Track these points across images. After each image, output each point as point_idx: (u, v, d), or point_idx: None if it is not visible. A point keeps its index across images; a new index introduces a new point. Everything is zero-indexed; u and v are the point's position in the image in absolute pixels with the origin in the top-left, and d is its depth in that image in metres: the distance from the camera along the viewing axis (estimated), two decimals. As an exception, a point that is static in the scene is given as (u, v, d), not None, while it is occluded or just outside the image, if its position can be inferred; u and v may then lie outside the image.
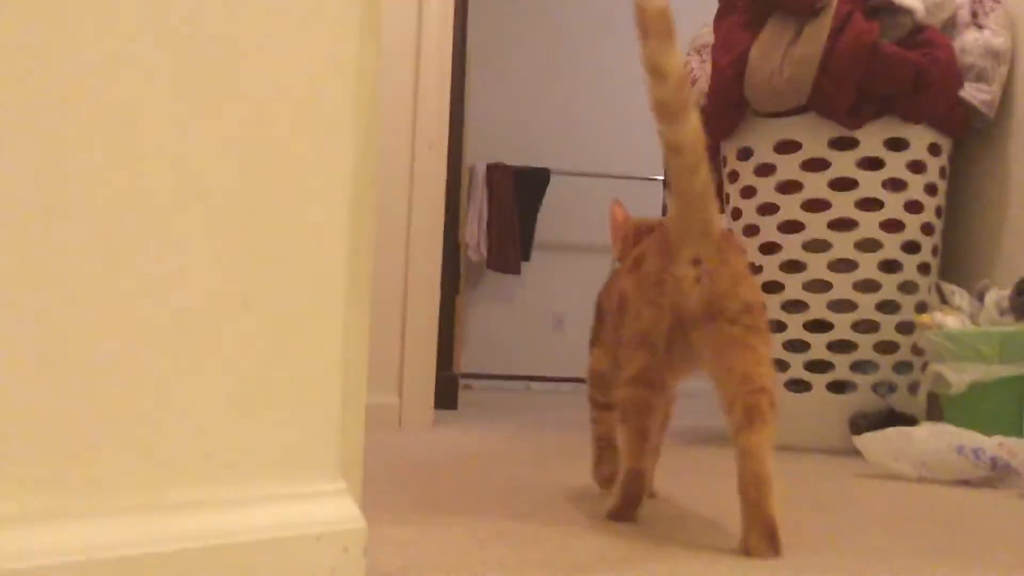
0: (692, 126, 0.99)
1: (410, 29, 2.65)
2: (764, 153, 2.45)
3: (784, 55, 2.34)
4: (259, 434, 0.57)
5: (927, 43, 2.30)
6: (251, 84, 0.58)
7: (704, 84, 2.57)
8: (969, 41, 2.37)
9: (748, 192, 2.50)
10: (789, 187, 2.41)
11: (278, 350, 0.58)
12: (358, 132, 0.64)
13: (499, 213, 6.11)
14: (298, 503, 0.58)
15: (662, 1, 0.97)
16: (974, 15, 2.41)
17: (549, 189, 6.23)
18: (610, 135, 6.19)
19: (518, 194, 6.17)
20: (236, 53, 0.57)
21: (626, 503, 1.14)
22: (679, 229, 1.04)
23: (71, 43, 0.50)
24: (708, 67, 2.56)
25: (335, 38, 0.63)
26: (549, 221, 6.27)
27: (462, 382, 4.88)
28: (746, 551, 0.96)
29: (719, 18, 2.56)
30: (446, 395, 3.39)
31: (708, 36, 2.64)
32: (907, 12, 2.30)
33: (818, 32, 2.29)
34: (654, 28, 0.98)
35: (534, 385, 6.23)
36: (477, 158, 6.05)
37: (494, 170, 6.15)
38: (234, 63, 0.57)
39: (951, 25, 2.40)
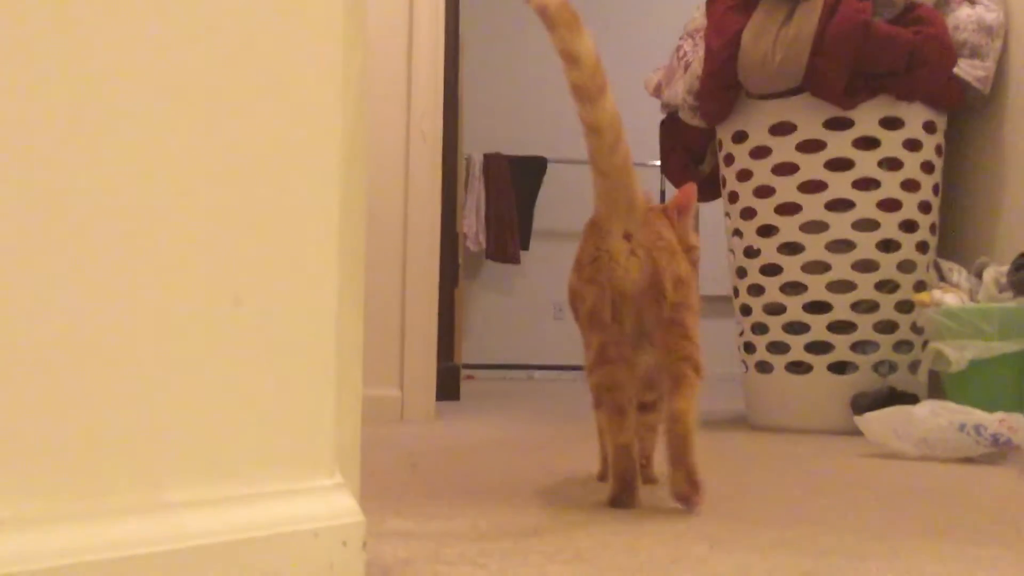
0: (608, 106, 1.06)
1: (401, 19, 2.64)
2: (759, 136, 2.45)
3: (777, 36, 2.33)
4: (254, 431, 0.57)
5: (920, 20, 2.30)
6: (236, 79, 0.58)
7: (698, 68, 2.56)
8: (962, 17, 2.37)
9: (744, 175, 2.50)
10: (785, 169, 2.41)
11: (270, 345, 0.58)
12: (345, 123, 0.64)
13: (497, 203, 6.10)
14: (295, 499, 0.58)
15: (568, 4, 1.06)
16: (966, -9, 2.40)
17: (546, 177, 6.22)
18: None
19: (515, 183, 6.16)
20: (220, 47, 0.57)
21: (621, 484, 1.14)
22: (606, 206, 1.11)
23: (63, 48, 0.50)
24: (701, 51, 2.55)
25: (318, 27, 0.63)
26: (547, 209, 6.26)
27: (464, 373, 4.89)
28: (673, 493, 1.10)
29: (711, 1, 2.55)
30: (448, 386, 3.40)
31: (701, 20, 2.64)
32: (899, -11, 2.29)
33: (810, 12, 2.28)
34: (560, 19, 1.07)
35: (536, 374, 6.24)
36: (473, 148, 6.04)
37: (491, 160, 6.14)
38: (219, 58, 0.57)
39: (943, 2, 2.40)
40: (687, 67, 2.62)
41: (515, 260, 6.13)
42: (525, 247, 6.19)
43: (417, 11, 2.64)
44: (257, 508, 0.56)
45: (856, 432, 1.89)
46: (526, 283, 6.41)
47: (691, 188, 1.27)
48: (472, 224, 6.02)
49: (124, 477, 0.51)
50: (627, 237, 1.10)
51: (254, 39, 0.59)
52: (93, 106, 0.51)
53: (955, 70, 2.36)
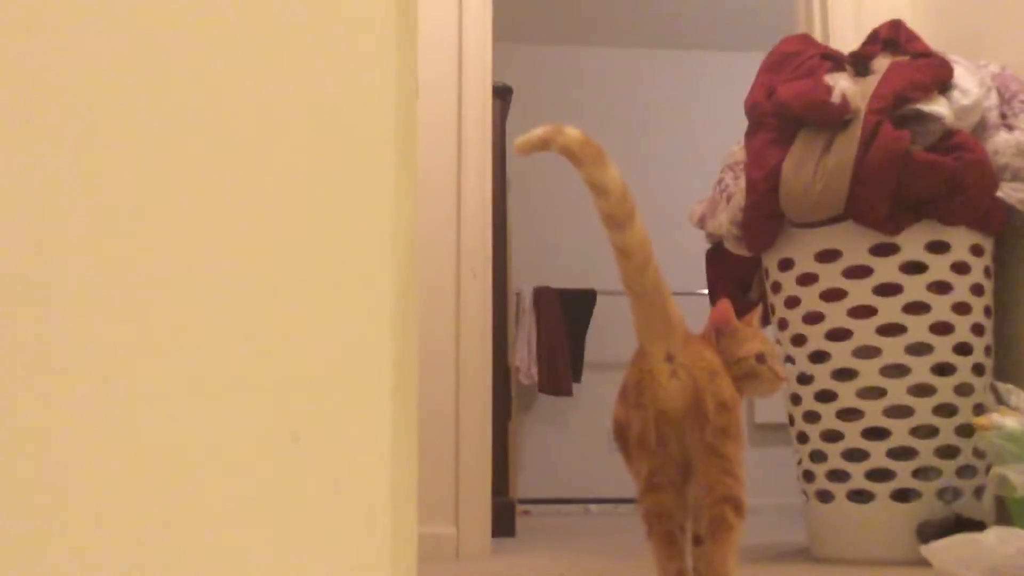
0: (637, 231, 1.12)
1: (450, 157, 2.73)
2: (805, 263, 2.47)
3: (817, 167, 2.37)
4: (306, 574, 0.58)
5: (958, 147, 2.33)
6: (285, 231, 0.62)
7: (740, 199, 2.60)
8: (1001, 142, 2.40)
9: (792, 302, 2.51)
10: (833, 295, 2.41)
11: (326, 484, 0.60)
12: (397, 264, 0.67)
13: (548, 336, 6.13)
14: (352, 637, 0.58)
15: (576, 133, 1.10)
16: (1003, 117, 2.44)
17: (596, 309, 6.26)
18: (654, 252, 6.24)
19: (566, 316, 6.20)
20: (271, 202, 0.61)
21: None
22: (645, 327, 1.14)
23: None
24: (742, 182, 2.60)
25: (369, 176, 0.67)
26: (598, 341, 6.27)
27: (519, 508, 4.82)
28: None
29: (749, 135, 2.62)
30: (503, 522, 3.36)
31: (740, 154, 2.70)
32: (936, 118, 2.34)
33: (848, 142, 2.33)
34: (584, 155, 1.10)
35: (592, 507, 6.13)
36: (523, 282, 6.12)
37: (540, 293, 6.20)
38: (268, 209, 0.61)
39: (981, 128, 2.43)
40: (729, 198, 2.67)
41: (568, 392, 6.11)
42: (577, 379, 6.17)
43: (465, 149, 2.74)
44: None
45: (923, 562, 1.84)
46: (579, 415, 6.37)
47: (722, 304, 1.30)
48: (524, 358, 6.04)
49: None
50: (669, 359, 1.12)
51: (303, 193, 0.63)
52: (140, 251, 0.55)
53: (998, 194, 2.37)
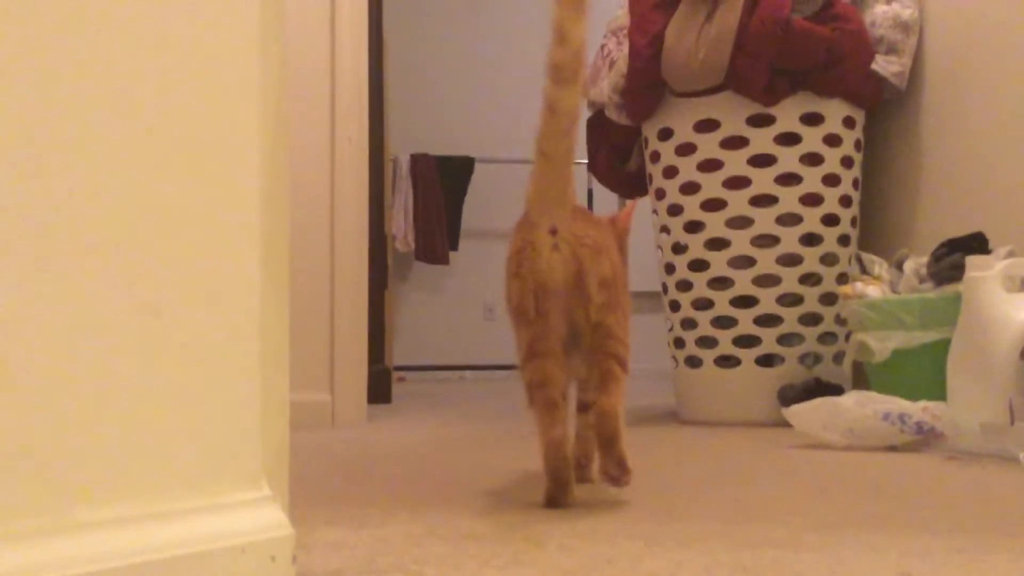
0: (574, 94, 1.09)
1: (323, 18, 2.60)
2: (684, 133, 2.47)
3: (699, 35, 2.35)
4: (174, 445, 0.55)
5: (838, 17, 2.34)
6: (152, 77, 0.55)
7: (622, 66, 2.57)
8: (879, 14, 2.42)
9: (670, 172, 2.52)
10: (710, 165, 2.43)
11: (190, 355, 0.56)
12: (265, 120, 0.62)
13: (425, 203, 6.07)
14: (219, 514, 0.55)
15: None
16: (881, -11, 2.45)
17: (474, 177, 6.21)
18: (533, 120, 6.18)
19: (443, 183, 6.14)
20: (131, 39, 0.55)
21: (554, 482, 1.13)
22: (537, 194, 1.12)
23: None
24: (625, 48, 2.56)
25: (234, 17, 0.60)
26: (475, 209, 6.25)
27: (395, 375, 4.85)
28: (602, 475, 1.12)
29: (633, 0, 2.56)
30: (379, 389, 3.36)
31: (624, 18, 2.65)
32: (817, -13, 2.33)
33: (731, 10, 2.31)
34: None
35: (468, 374, 6.22)
36: (400, 149, 6.00)
37: (418, 160, 6.11)
38: (126, 51, 0.55)
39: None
40: (612, 65, 2.64)
41: (444, 261, 6.10)
42: (454, 247, 6.16)
43: (339, 11, 2.61)
44: (179, 525, 0.53)
45: (784, 424, 1.92)
46: (455, 284, 6.39)
47: (631, 208, 1.35)
48: (400, 225, 5.98)
49: (32, 497, 0.48)
50: (553, 232, 1.11)
51: (167, 32, 0.56)
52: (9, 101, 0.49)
53: (872, 66, 2.40)
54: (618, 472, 1.11)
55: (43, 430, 0.49)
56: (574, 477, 1.16)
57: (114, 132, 0.54)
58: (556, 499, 1.13)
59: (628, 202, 1.42)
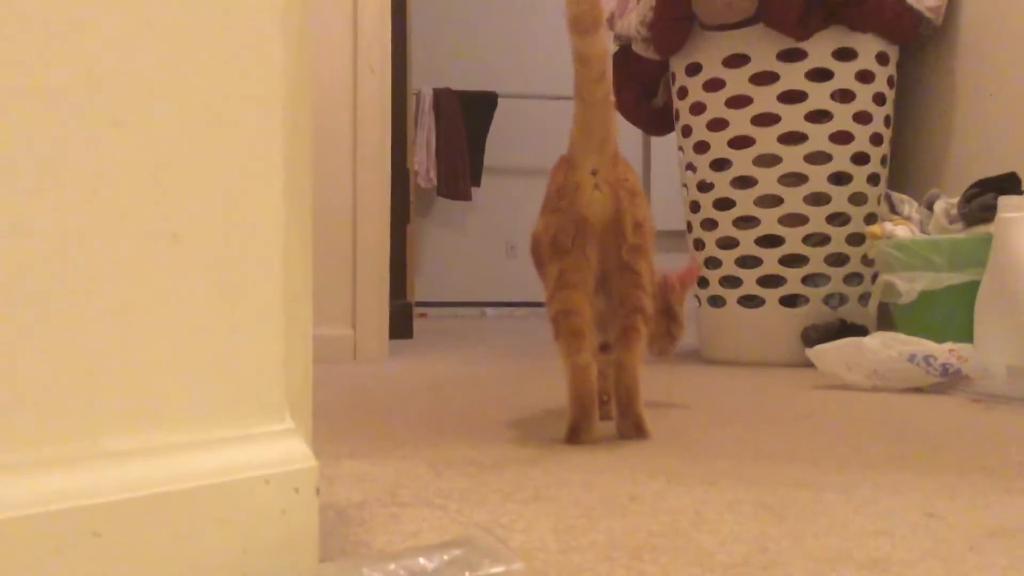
0: (600, 40, 1.11)
1: (347, -51, 2.55)
2: (713, 68, 2.42)
3: (731, -34, 2.29)
4: (197, 375, 0.54)
5: (874, -51, 2.27)
6: (174, 5, 0.54)
7: (650, -1, 2.52)
8: (916, -54, 2.34)
9: (698, 108, 2.48)
10: (739, 102, 2.39)
11: (213, 285, 0.55)
12: (287, 48, 0.60)
13: (447, 139, 6.03)
14: (243, 445, 0.55)
15: None
16: (920, -80, 2.38)
17: (497, 113, 6.15)
18: (557, 56, 6.09)
19: (466, 119, 6.09)
20: (150, -31, 0.53)
21: (579, 409, 1.13)
22: (581, 138, 1.15)
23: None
24: (654, -19, 2.50)
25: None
26: (499, 146, 6.20)
27: (416, 310, 4.86)
28: (620, 434, 1.18)
29: (664, -71, 2.50)
30: (401, 324, 3.37)
31: (653, -51, 2.58)
32: (853, -82, 2.26)
33: (764, -59, 2.24)
34: None
35: (489, 311, 6.24)
36: (423, 83, 5.95)
37: (441, 95, 6.05)
38: (149, -20, 0.53)
39: (897, -69, 2.37)
40: (640, -2, 2.58)
41: (466, 197, 6.08)
42: (476, 183, 6.14)
43: (363, -61, 2.56)
44: (203, 455, 0.53)
45: (808, 364, 1.91)
46: (477, 220, 6.37)
47: (695, 267, 1.45)
48: (423, 160, 5.95)
49: (59, 425, 0.48)
50: (594, 173, 1.14)
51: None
52: (12, 32, 0.47)
53: (908, 0, 2.34)
54: (635, 435, 1.17)
55: (68, 359, 0.49)
56: (597, 409, 1.16)
57: (139, 59, 0.52)
58: (579, 428, 1.13)
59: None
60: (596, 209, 1.13)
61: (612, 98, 1.15)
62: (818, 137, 2.35)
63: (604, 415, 1.28)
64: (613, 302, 1.16)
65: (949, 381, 1.69)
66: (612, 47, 2.82)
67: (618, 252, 1.14)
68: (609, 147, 1.15)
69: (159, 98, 0.53)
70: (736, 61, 2.38)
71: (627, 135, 5.51)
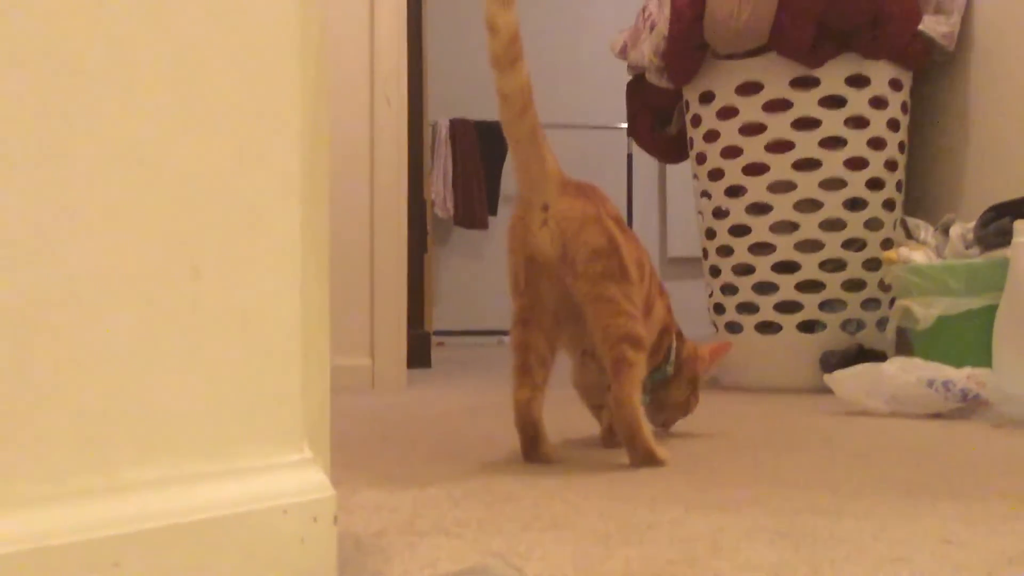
0: (518, 76, 1.14)
1: (363, -19, 2.59)
2: (726, 96, 2.44)
3: (743, -6, 2.31)
4: (216, 406, 0.55)
5: (885, -24, 2.28)
6: (190, 39, 0.55)
7: (664, 28, 2.54)
8: (927, -27, 2.36)
9: (712, 136, 2.49)
10: (752, 129, 2.40)
11: (232, 317, 0.56)
12: (306, 82, 0.62)
13: (464, 168, 6.06)
14: (262, 476, 0.56)
15: None
16: (931, -53, 2.39)
17: (513, 141, 6.17)
18: (571, 84, 6.12)
19: (482, 148, 6.11)
20: (174, 14, 0.55)
21: (522, 437, 1.20)
22: (521, 174, 1.17)
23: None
24: (666, 11, 2.53)
25: (276, -9, 0.60)
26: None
27: (434, 339, 4.87)
28: (633, 465, 1.15)
29: (676, -40, 2.52)
30: (419, 354, 3.38)
31: (665, -20, 2.61)
32: (864, -54, 2.28)
33: (776, -30, 2.26)
34: None
35: (506, 339, 6.24)
36: (439, 114, 5.98)
37: (457, 125, 6.09)
38: (172, 21, 0.55)
39: (909, -42, 2.38)
40: (652, 27, 2.60)
41: (483, 225, 6.10)
42: (493, 212, 6.16)
43: (378, -27, 2.59)
44: (223, 486, 0.54)
45: (826, 390, 1.90)
46: (494, 248, 6.38)
47: (726, 347, 1.49)
48: (440, 190, 5.98)
49: (81, 457, 0.49)
50: (544, 208, 1.15)
51: (204, 7, 0.56)
52: (42, 68, 0.49)
53: (920, 26, 2.35)
54: (647, 465, 1.15)
55: (90, 391, 0.50)
56: (544, 434, 1.21)
57: (162, 98, 0.54)
58: (527, 453, 1.20)
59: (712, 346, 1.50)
60: (543, 246, 1.15)
61: (540, 132, 1.16)
62: (833, 163, 2.35)
63: (613, 444, 1.29)
64: (596, 335, 1.16)
65: (968, 406, 1.68)
66: (625, 76, 2.84)
67: (576, 282, 1.14)
68: (551, 180, 1.16)
69: (181, 135, 0.55)
70: (749, 89, 2.39)
71: (643, 162, 5.54)
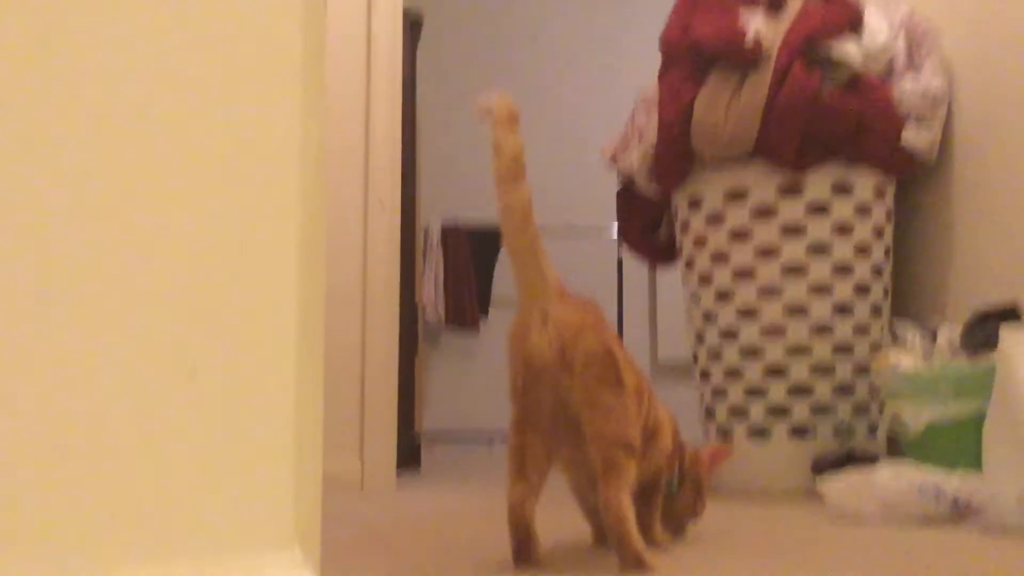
0: (521, 193, 1.20)
1: (358, 85, 2.66)
2: (714, 202, 2.48)
3: (728, 105, 2.38)
4: (209, 507, 0.55)
5: (866, 89, 2.36)
6: (193, 149, 0.58)
7: (652, 136, 2.60)
8: (907, 86, 2.43)
9: (700, 241, 2.53)
10: (740, 235, 2.44)
11: (227, 420, 0.57)
12: (304, 192, 0.64)
13: (455, 272, 6.11)
14: (252, 577, 0.56)
15: (510, 101, 1.21)
16: (910, 61, 2.48)
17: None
18: (563, 189, 6.23)
19: (474, 252, 6.18)
20: (174, 117, 0.57)
21: (513, 539, 1.19)
22: (521, 283, 1.22)
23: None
24: (655, 120, 2.59)
25: (277, 96, 0.63)
26: (506, 276, 6.27)
27: (425, 442, 4.83)
28: (623, 571, 1.14)
29: (663, 72, 2.60)
30: (409, 456, 3.35)
31: (653, 91, 2.68)
32: (845, 60, 2.36)
33: (760, 82, 2.33)
34: (500, 117, 1.21)
35: (497, 441, 6.19)
36: (431, 217, 6.06)
37: (449, 229, 6.16)
38: (176, 127, 0.57)
39: (888, 72, 2.46)
40: (641, 136, 2.66)
41: (474, 328, 6.11)
42: (484, 314, 6.18)
43: (374, 78, 2.67)
44: (213, 588, 0.54)
45: (818, 495, 1.89)
46: (485, 350, 6.38)
47: (727, 452, 1.52)
48: (431, 294, 6.01)
49: (75, 554, 0.49)
50: (543, 316, 1.19)
51: (211, 108, 0.59)
52: (50, 177, 0.51)
53: (902, 137, 2.42)
54: (637, 570, 1.14)
55: (85, 492, 0.50)
56: (536, 536, 1.21)
57: (163, 206, 0.56)
58: (517, 557, 1.19)
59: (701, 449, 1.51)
60: (541, 350, 1.17)
61: (540, 245, 1.21)
62: (820, 269, 2.39)
63: (607, 545, 1.28)
64: (589, 438, 1.17)
65: (960, 513, 1.68)
66: (615, 182, 2.90)
67: (572, 388, 1.16)
68: (551, 290, 1.20)
69: (182, 241, 0.56)
70: (736, 195, 2.44)
71: (633, 267, 5.56)
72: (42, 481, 0.49)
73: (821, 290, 2.39)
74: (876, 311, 2.44)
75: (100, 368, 0.52)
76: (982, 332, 1.99)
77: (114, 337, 0.52)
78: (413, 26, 3.47)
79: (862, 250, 2.41)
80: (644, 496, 1.32)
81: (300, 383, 0.62)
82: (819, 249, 2.39)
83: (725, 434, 2.47)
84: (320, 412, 0.66)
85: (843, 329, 2.39)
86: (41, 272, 0.50)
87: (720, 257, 2.48)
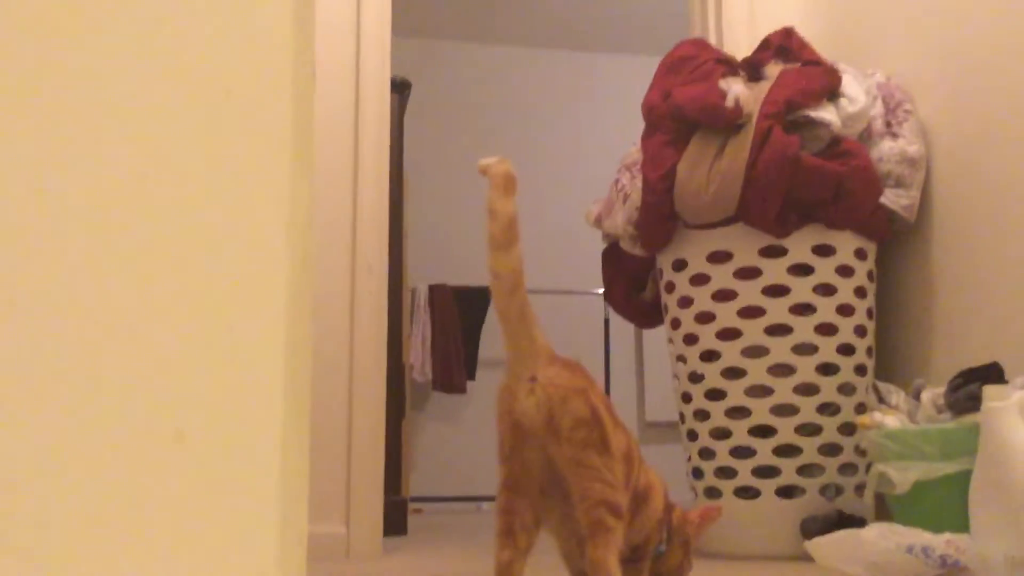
0: (512, 257, 1.21)
1: (347, 151, 2.69)
2: (698, 263, 2.51)
3: (710, 169, 2.41)
4: (189, 574, 0.55)
5: (846, 153, 2.40)
6: (176, 209, 0.59)
7: (636, 199, 2.63)
8: (885, 150, 2.48)
9: (685, 302, 2.55)
10: (724, 295, 2.46)
11: (211, 486, 0.57)
12: (292, 254, 0.65)
13: (443, 334, 6.11)
14: (237, 644, 0.56)
15: (508, 167, 1.23)
16: (888, 125, 2.53)
17: (491, 307, 6.26)
18: (550, 252, 6.27)
19: (461, 314, 6.19)
20: (158, 178, 0.58)
21: None
22: (510, 347, 1.22)
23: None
24: (638, 182, 2.63)
25: (266, 157, 0.64)
26: (494, 338, 6.27)
27: (411, 506, 4.79)
28: None
29: (646, 137, 2.65)
30: (395, 521, 3.32)
31: (636, 155, 2.73)
32: (824, 125, 2.41)
33: (741, 146, 2.38)
34: (497, 182, 1.23)
35: (484, 505, 6.13)
36: (418, 279, 6.08)
37: (436, 291, 6.18)
38: (160, 196, 0.58)
39: (867, 136, 2.51)
40: (626, 198, 2.70)
41: (462, 390, 6.10)
42: (472, 377, 6.17)
43: (362, 142, 2.70)
44: (197, 655, 0.54)
45: (806, 557, 1.88)
46: (473, 413, 6.37)
47: (716, 513, 1.48)
48: (418, 355, 6.01)
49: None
50: (532, 379, 1.20)
51: (192, 178, 0.60)
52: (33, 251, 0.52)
53: (881, 200, 2.45)
54: None
55: (66, 564, 0.50)
56: None
57: (150, 268, 0.56)
58: None
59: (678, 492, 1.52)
60: (529, 413, 1.18)
61: (529, 310, 1.22)
62: (803, 329, 2.40)
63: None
64: (576, 499, 1.18)
65: (948, 573, 1.67)
66: (601, 243, 2.92)
67: (560, 450, 1.17)
68: (540, 354, 1.21)
69: (170, 307, 0.57)
70: (720, 257, 2.47)
71: (619, 327, 5.62)
72: (20, 553, 0.49)
73: (805, 350, 2.40)
74: (860, 370, 2.45)
75: (83, 433, 0.52)
76: (965, 392, 2.01)
77: (95, 400, 0.53)
78: (401, 89, 3.53)
79: (845, 310, 2.43)
80: (632, 560, 1.32)
81: (286, 448, 0.62)
82: (802, 309, 2.41)
83: (713, 494, 2.46)
84: (306, 477, 0.66)
85: (828, 389, 2.40)
86: (32, 339, 0.51)
87: (705, 317, 2.49)
